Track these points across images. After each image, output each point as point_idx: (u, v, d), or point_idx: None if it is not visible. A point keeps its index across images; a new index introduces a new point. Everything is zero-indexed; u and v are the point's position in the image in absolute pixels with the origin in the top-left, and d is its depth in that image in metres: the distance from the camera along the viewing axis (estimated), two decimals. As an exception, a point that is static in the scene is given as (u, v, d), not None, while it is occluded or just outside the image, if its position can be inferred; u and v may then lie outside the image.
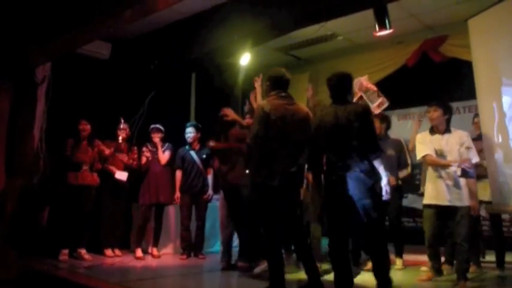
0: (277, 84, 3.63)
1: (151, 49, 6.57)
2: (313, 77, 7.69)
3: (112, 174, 5.54)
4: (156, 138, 5.68)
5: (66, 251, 5.14)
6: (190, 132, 5.65)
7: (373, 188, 3.15)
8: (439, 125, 3.97)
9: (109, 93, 6.56)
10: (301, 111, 3.58)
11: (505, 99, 4.02)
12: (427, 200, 4.01)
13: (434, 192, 3.92)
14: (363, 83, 4.62)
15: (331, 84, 3.38)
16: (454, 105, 6.34)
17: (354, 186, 3.09)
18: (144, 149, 5.66)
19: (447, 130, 3.99)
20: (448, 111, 3.99)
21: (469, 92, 4.90)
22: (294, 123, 3.46)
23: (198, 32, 5.91)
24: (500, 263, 4.47)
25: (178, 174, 5.59)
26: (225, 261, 4.67)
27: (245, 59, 6.27)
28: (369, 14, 5.01)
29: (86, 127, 5.43)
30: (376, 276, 3.16)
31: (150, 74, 6.68)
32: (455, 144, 3.91)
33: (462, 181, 3.84)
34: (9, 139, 5.71)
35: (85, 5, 4.25)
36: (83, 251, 5.23)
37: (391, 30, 4.82)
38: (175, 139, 5.96)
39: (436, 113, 3.96)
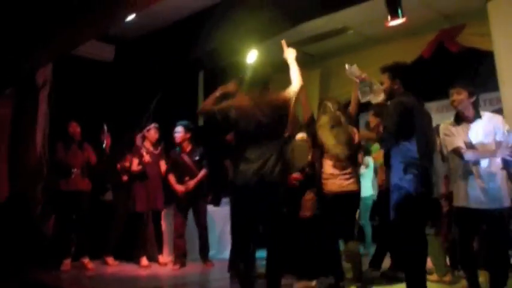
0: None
1: (155, 50, 6.41)
2: (324, 74, 7.44)
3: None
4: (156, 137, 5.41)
5: (68, 261, 4.93)
6: (177, 132, 5.25)
7: None
8: (465, 111, 3.32)
9: (114, 96, 6.41)
10: None
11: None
12: (456, 201, 3.36)
13: (463, 192, 3.27)
14: (355, 73, 3.99)
15: (403, 72, 3.34)
16: (474, 98, 6.05)
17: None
18: (143, 150, 5.28)
19: (476, 116, 3.28)
20: (474, 94, 3.30)
21: (490, 84, 4.57)
22: None
23: (202, 29, 5.71)
24: None
25: (172, 179, 5.22)
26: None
27: (252, 56, 6.01)
28: (379, 5, 4.73)
29: (76, 129, 5.16)
30: None
31: (155, 75, 6.52)
32: (490, 131, 3.22)
33: (498, 177, 3.20)
34: (12, 146, 5.60)
35: (79, 4, 4.07)
36: (86, 260, 5.00)
37: (403, 19, 4.50)
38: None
39: (460, 96, 3.31)
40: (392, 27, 5.70)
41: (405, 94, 3.21)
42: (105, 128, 5.31)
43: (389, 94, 3.30)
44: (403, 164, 3.05)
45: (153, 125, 5.46)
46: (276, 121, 3.20)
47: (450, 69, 5.86)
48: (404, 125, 3.08)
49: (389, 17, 4.52)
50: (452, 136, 3.29)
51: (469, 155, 3.18)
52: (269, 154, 3.11)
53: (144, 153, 5.21)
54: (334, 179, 3.69)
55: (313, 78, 7.39)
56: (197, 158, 5.25)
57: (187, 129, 5.27)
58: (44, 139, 5.58)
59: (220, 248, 5.86)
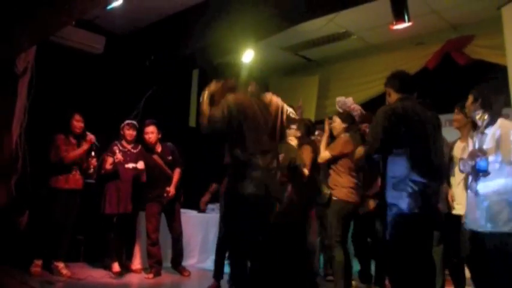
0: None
1: (147, 44, 6.11)
2: (323, 80, 7.14)
3: None
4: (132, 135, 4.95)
5: (39, 262, 4.49)
6: (151, 132, 4.79)
7: None
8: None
9: (103, 90, 6.09)
10: None
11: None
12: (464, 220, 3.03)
13: (467, 210, 2.94)
14: (347, 104, 4.42)
15: (401, 77, 3.01)
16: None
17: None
18: (116, 148, 4.82)
19: (490, 122, 2.84)
20: (478, 96, 2.87)
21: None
22: None
23: (196, 25, 5.40)
24: None
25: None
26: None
27: (248, 56, 5.69)
28: (384, 10, 4.45)
29: (81, 124, 4.73)
30: None
31: (146, 71, 6.21)
32: (505, 138, 2.74)
33: (495, 194, 2.69)
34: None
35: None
36: (61, 265, 4.53)
37: (410, 23, 4.19)
38: (172, 142, 5.27)
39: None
40: (398, 34, 5.44)
41: (402, 99, 2.87)
42: (95, 147, 4.75)
43: None
44: (394, 180, 2.72)
45: (127, 122, 5.01)
46: (277, 124, 3.05)
47: (457, 82, 5.56)
48: (393, 133, 2.71)
49: (394, 20, 4.21)
50: (467, 148, 3.10)
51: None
52: (273, 159, 2.97)
53: (117, 152, 4.80)
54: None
55: (312, 83, 7.08)
56: (170, 157, 4.86)
57: (159, 127, 4.88)
58: (20, 131, 5.24)
59: (201, 257, 5.49)
